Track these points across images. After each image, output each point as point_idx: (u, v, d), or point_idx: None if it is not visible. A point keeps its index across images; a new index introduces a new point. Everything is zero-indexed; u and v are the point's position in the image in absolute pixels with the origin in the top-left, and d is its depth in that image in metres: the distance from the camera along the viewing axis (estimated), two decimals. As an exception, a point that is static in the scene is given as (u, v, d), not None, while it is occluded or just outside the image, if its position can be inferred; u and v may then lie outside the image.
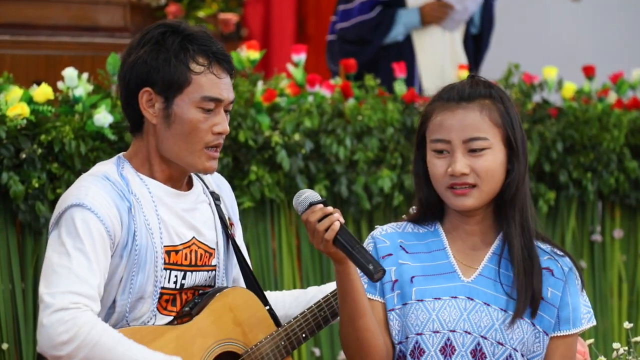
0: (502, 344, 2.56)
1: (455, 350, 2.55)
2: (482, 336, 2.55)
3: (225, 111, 2.76)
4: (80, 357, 2.53)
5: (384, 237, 2.64)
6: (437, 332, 2.56)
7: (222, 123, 2.73)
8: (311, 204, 2.55)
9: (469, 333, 2.56)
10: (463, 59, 5.55)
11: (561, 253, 2.64)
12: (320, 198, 2.57)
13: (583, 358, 2.76)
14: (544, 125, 4.87)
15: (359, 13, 5.43)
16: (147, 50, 2.70)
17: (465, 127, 2.58)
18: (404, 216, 2.72)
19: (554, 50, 7.03)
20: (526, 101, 4.87)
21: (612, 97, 5.08)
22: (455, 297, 2.58)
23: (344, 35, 5.45)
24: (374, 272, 2.52)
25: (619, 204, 5.11)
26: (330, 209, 2.53)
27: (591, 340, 2.79)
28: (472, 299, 2.57)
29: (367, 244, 2.64)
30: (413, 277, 2.59)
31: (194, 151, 2.71)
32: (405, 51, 5.44)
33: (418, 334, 2.56)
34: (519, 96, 4.87)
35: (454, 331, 2.56)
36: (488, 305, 2.57)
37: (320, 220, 2.52)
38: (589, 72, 5.09)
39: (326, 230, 2.51)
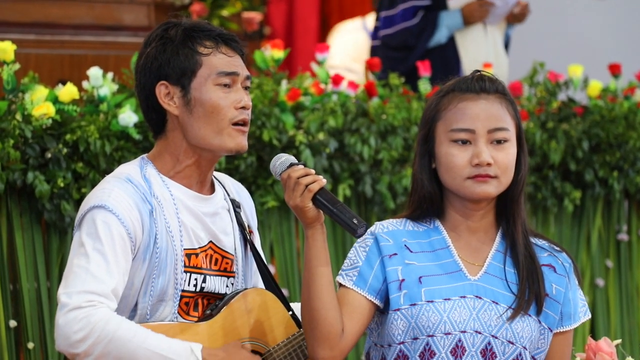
0: (512, 343, 2.55)
1: (465, 350, 2.54)
2: (492, 335, 2.55)
3: (245, 88, 2.76)
4: (97, 353, 2.53)
5: (386, 235, 2.61)
6: (449, 333, 2.54)
7: (243, 98, 2.73)
8: (292, 164, 2.58)
9: (480, 333, 2.54)
10: (504, 58, 5.53)
11: (558, 249, 2.66)
12: (298, 161, 2.59)
13: (610, 359, 2.74)
14: (569, 124, 4.85)
15: (402, 19, 5.42)
16: (153, 47, 2.73)
17: (491, 117, 2.57)
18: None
19: (580, 48, 6.99)
20: (551, 100, 4.85)
21: (638, 95, 5.05)
22: (464, 297, 2.56)
23: (388, 42, 5.43)
24: (358, 227, 2.53)
25: (645, 202, 5.08)
26: (312, 170, 2.57)
27: (619, 341, 2.78)
28: (480, 298, 2.57)
29: (365, 239, 2.62)
30: (421, 277, 2.57)
31: (221, 130, 2.71)
32: (448, 53, 5.43)
33: (429, 336, 2.54)
34: (544, 94, 4.85)
35: (465, 332, 2.54)
36: (496, 303, 2.57)
37: (302, 177, 2.55)
38: (614, 70, 5.06)
39: (308, 185, 2.54)
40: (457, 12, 5.42)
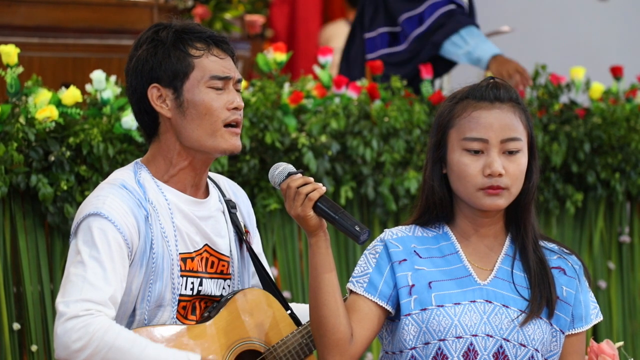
0: (524, 345, 2.56)
1: (477, 354, 2.55)
2: (504, 339, 2.56)
3: (236, 88, 2.77)
4: None
5: (396, 241, 2.62)
6: (460, 337, 2.55)
7: (235, 99, 2.74)
8: (290, 174, 2.58)
9: (491, 336, 2.56)
10: None
11: (568, 251, 2.67)
12: (296, 170, 2.59)
13: (612, 361, 2.74)
14: (571, 126, 4.85)
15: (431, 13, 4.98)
16: (144, 50, 2.73)
17: (504, 127, 2.58)
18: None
19: (582, 51, 7.00)
20: (553, 102, 4.85)
21: (640, 98, 5.06)
22: (474, 301, 2.58)
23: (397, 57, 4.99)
24: (360, 234, 2.55)
25: (647, 204, 5.09)
26: (311, 179, 2.57)
27: (621, 343, 2.78)
28: (490, 302, 2.58)
29: (375, 246, 2.63)
30: (430, 282, 2.59)
31: (214, 131, 2.72)
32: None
33: (441, 340, 2.55)
34: (546, 97, 4.85)
35: (476, 335, 2.55)
36: (507, 307, 2.58)
37: (301, 186, 2.56)
38: (616, 72, 5.06)
39: (308, 194, 2.54)
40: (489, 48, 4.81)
